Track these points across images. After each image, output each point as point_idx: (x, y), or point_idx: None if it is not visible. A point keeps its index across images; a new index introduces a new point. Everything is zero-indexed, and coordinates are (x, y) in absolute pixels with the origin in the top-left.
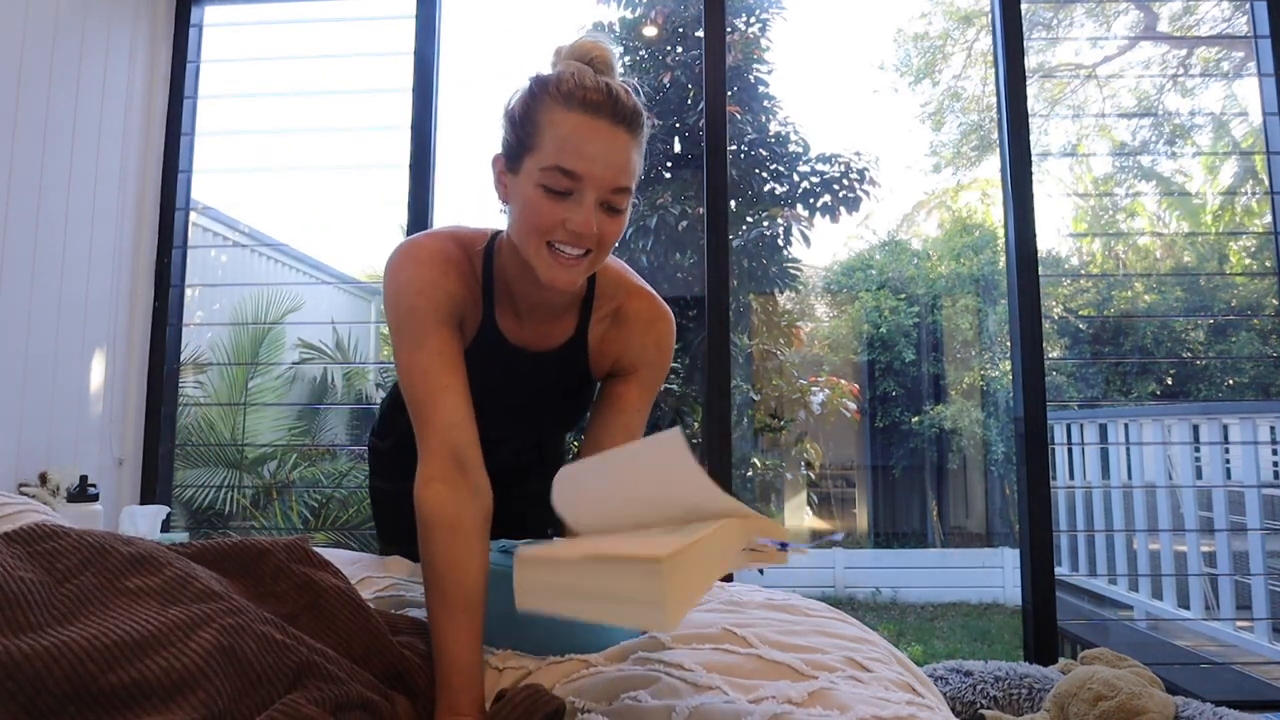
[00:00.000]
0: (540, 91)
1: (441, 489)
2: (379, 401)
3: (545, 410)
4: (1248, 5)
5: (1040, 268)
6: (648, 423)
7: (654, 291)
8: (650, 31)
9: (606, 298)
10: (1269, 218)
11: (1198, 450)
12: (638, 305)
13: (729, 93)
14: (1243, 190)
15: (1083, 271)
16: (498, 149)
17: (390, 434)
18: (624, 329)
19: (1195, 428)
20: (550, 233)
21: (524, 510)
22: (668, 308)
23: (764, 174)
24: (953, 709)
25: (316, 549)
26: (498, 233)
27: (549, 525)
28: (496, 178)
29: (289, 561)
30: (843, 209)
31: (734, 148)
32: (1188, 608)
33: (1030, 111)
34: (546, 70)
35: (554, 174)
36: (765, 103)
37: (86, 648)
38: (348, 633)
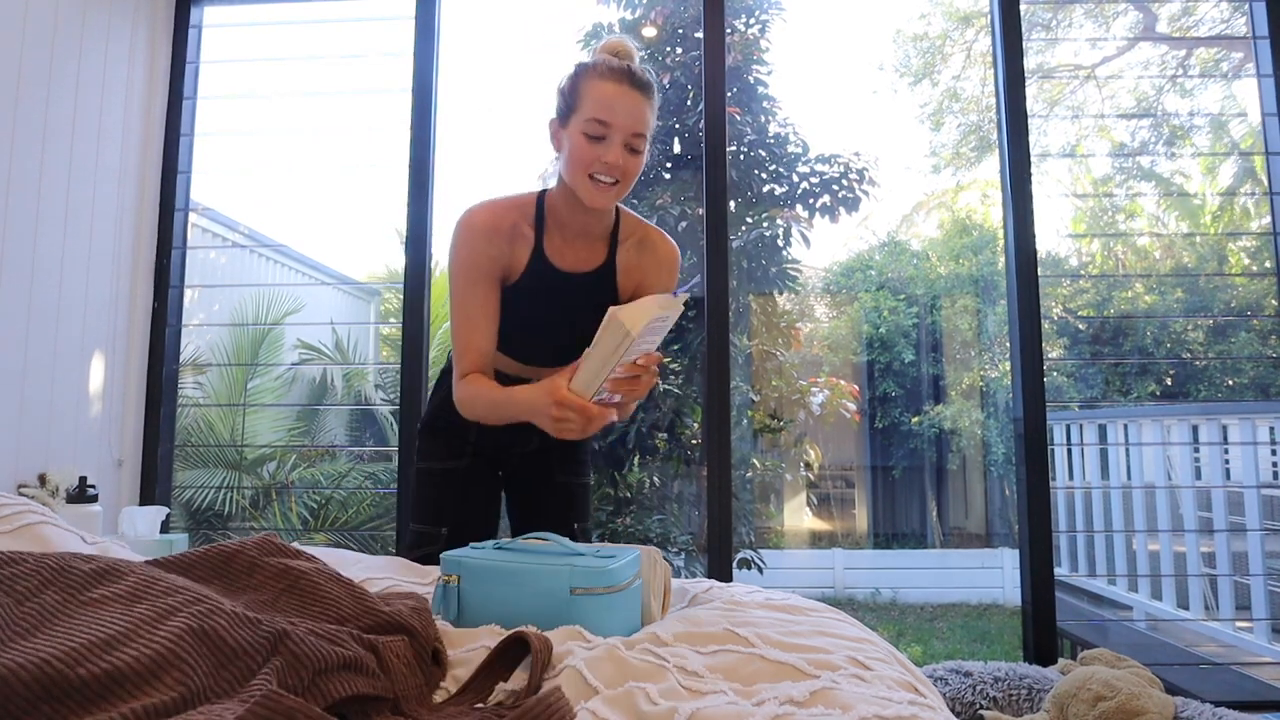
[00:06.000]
0: (582, 71)
1: (476, 378)
2: (379, 402)
3: (581, 332)
4: (1247, 6)
5: (1040, 268)
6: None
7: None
8: (650, 32)
9: (629, 231)
10: (1268, 218)
11: (1197, 451)
12: (656, 236)
13: (728, 94)
14: (1242, 191)
15: (1082, 272)
16: (551, 116)
17: (430, 406)
18: (646, 254)
19: (1195, 428)
20: (590, 166)
21: (555, 468)
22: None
23: (763, 175)
24: (952, 709)
25: (313, 549)
26: (545, 190)
27: (575, 521)
28: (552, 134)
29: (261, 555)
30: (842, 209)
31: (733, 149)
32: (1187, 608)
33: (1029, 112)
34: (581, 61)
35: (592, 124)
36: (765, 103)
37: (54, 649)
38: (334, 599)
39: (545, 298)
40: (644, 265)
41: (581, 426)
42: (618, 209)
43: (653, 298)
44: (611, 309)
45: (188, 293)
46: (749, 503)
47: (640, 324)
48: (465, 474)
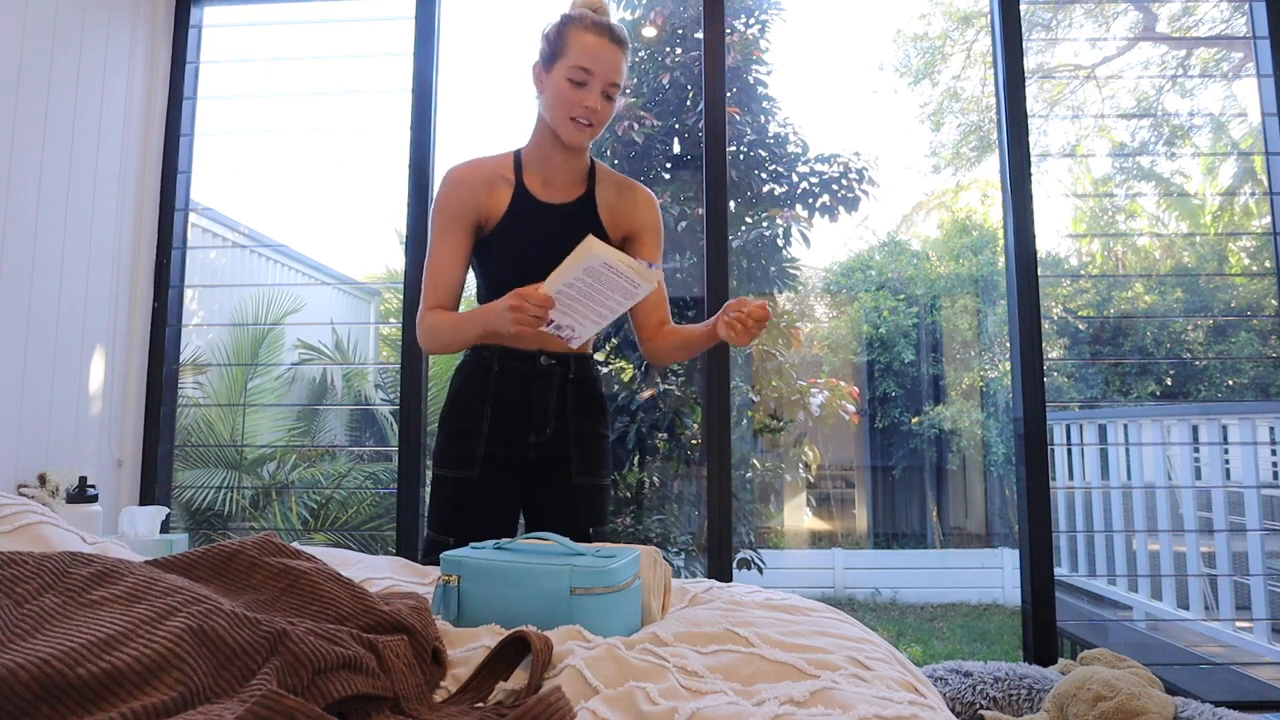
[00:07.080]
0: (568, 22)
1: (438, 310)
2: (379, 402)
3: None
4: (1247, 6)
5: (1040, 268)
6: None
7: None
8: (650, 32)
9: (605, 175)
10: (1268, 218)
11: (1197, 451)
12: (633, 182)
13: (728, 94)
14: (1242, 191)
15: (1082, 272)
16: (535, 59)
17: (446, 397)
18: (626, 196)
19: (1194, 428)
20: (572, 109)
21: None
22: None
23: (763, 175)
24: (952, 709)
25: (313, 549)
26: (520, 147)
27: (590, 525)
28: (535, 77)
29: (261, 555)
30: (842, 209)
31: (733, 149)
32: (1187, 608)
33: (1029, 112)
34: (565, 12)
35: (577, 70)
36: (764, 103)
37: (53, 650)
38: (334, 599)
39: (530, 232)
40: (625, 204)
41: (535, 320)
42: (591, 160)
43: (630, 258)
44: (590, 236)
45: (188, 293)
46: (749, 503)
47: (606, 252)
48: (478, 486)
